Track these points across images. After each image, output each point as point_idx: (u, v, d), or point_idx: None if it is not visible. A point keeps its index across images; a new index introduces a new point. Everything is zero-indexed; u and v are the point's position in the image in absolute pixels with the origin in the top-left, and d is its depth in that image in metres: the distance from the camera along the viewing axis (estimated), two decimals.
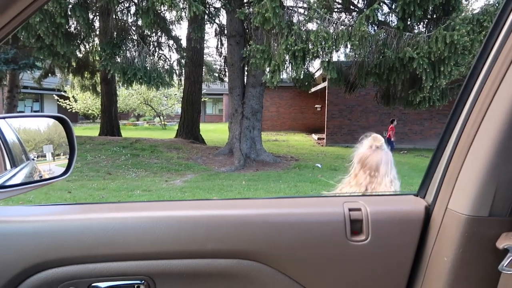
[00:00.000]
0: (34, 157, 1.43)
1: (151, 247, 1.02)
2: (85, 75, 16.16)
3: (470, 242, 0.91)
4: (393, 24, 8.98)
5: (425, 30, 9.00)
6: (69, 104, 26.26)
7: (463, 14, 8.42)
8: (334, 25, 8.34)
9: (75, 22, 10.58)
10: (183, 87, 15.24)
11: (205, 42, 15.13)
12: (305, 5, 9.14)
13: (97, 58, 12.08)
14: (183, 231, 1.03)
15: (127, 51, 10.53)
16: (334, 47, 8.07)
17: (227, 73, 12.96)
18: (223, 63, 15.73)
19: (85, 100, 25.20)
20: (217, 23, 13.54)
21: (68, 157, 1.19)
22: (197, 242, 1.02)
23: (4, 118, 1.17)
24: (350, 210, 1.05)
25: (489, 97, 0.87)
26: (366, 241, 1.03)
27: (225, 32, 11.94)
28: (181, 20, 11.13)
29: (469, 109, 0.93)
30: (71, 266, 1.00)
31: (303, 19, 8.59)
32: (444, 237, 0.97)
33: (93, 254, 1.01)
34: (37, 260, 0.99)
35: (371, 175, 1.98)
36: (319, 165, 10.32)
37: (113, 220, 1.03)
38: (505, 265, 0.84)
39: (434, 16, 9.12)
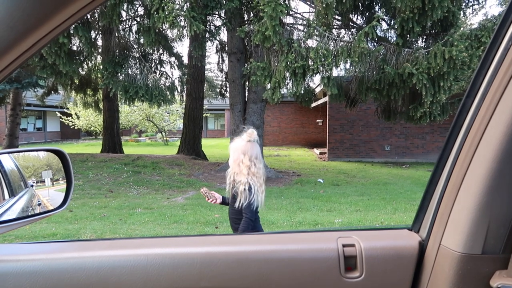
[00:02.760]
0: (33, 183, 1.43)
1: (144, 285, 1.01)
2: (88, 93, 16.29)
3: (464, 280, 0.90)
4: (392, 40, 9.06)
5: (424, 46, 9.07)
6: (71, 121, 26.45)
7: (461, 29, 8.50)
8: (333, 42, 8.42)
9: (77, 41, 10.72)
10: (184, 103, 15.33)
11: (206, 58, 15.29)
12: (304, 23, 9.25)
13: (99, 76, 12.20)
14: (177, 268, 1.02)
15: (129, 69, 10.63)
16: (334, 63, 8.14)
17: (228, 89, 13.05)
18: (224, 79, 15.86)
19: (88, 117, 25.37)
20: (218, 40, 13.70)
21: (65, 189, 1.20)
22: (191, 280, 1.02)
23: None
24: (344, 246, 1.05)
25: (479, 134, 0.88)
26: (360, 277, 1.02)
27: (226, 49, 12.06)
28: (182, 38, 11.27)
29: (459, 146, 0.93)
30: None
31: (302, 36, 8.68)
32: (438, 274, 0.96)
33: None
34: None
35: (252, 163, 2.67)
36: (321, 181, 10.29)
37: (107, 258, 1.03)
38: None
39: (433, 32, 9.21)
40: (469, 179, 0.90)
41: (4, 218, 1.09)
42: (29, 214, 1.23)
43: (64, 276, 1.00)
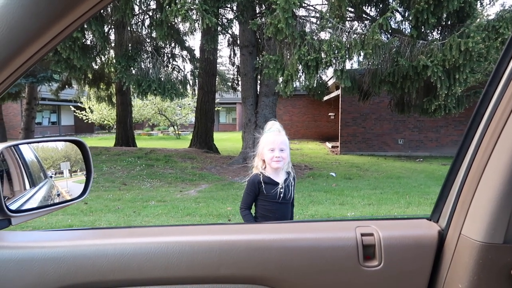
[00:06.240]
0: (52, 174, 1.46)
1: (165, 272, 1.02)
2: (101, 87, 16.46)
3: (484, 269, 0.90)
4: (407, 32, 8.93)
5: (439, 38, 8.92)
6: (85, 115, 26.77)
7: (477, 20, 8.32)
8: (347, 34, 8.33)
9: (91, 36, 10.82)
10: (196, 97, 15.39)
11: (218, 51, 15.29)
12: (317, 15, 9.17)
13: (113, 70, 12.30)
14: (196, 256, 1.03)
15: (142, 63, 10.69)
16: (347, 56, 8.05)
17: (240, 83, 13.04)
18: (236, 73, 15.85)
19: (101, 111, 25.64)
20: (230, 34, 13.68)
21: (85, 179, 1.22)
22: (210, 267, 1.03)
23: (19, 144, 1.20)
24: (362, 235, 1.05)
25: (501, 123, 0.86)
26: (379, 266, 1.02)
27: (238, 42, 12.04)
28: (195, 31, 11.29)
29: (481, 135, 0.92)
30: None
31: (315, 28, 8.61)
32: (458, 264, 0.95)
33: (109, 279, 1.02)
34: (56, 285, 1.01)
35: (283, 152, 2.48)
36: (333, 174, 10.25)
37: (128, 246, 1.05)
38: None
39: (448, 23, 9.04)
40: (491, 168, 0.89)
41: (26, 206, 1.12)
42: (49, 203, 1.26)
43: (87, 262, 1.02)
